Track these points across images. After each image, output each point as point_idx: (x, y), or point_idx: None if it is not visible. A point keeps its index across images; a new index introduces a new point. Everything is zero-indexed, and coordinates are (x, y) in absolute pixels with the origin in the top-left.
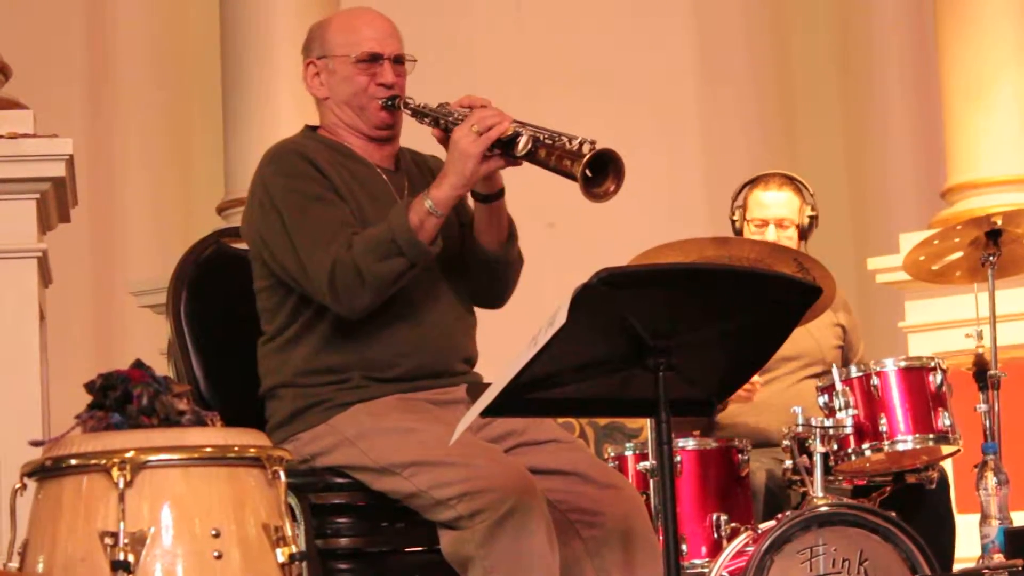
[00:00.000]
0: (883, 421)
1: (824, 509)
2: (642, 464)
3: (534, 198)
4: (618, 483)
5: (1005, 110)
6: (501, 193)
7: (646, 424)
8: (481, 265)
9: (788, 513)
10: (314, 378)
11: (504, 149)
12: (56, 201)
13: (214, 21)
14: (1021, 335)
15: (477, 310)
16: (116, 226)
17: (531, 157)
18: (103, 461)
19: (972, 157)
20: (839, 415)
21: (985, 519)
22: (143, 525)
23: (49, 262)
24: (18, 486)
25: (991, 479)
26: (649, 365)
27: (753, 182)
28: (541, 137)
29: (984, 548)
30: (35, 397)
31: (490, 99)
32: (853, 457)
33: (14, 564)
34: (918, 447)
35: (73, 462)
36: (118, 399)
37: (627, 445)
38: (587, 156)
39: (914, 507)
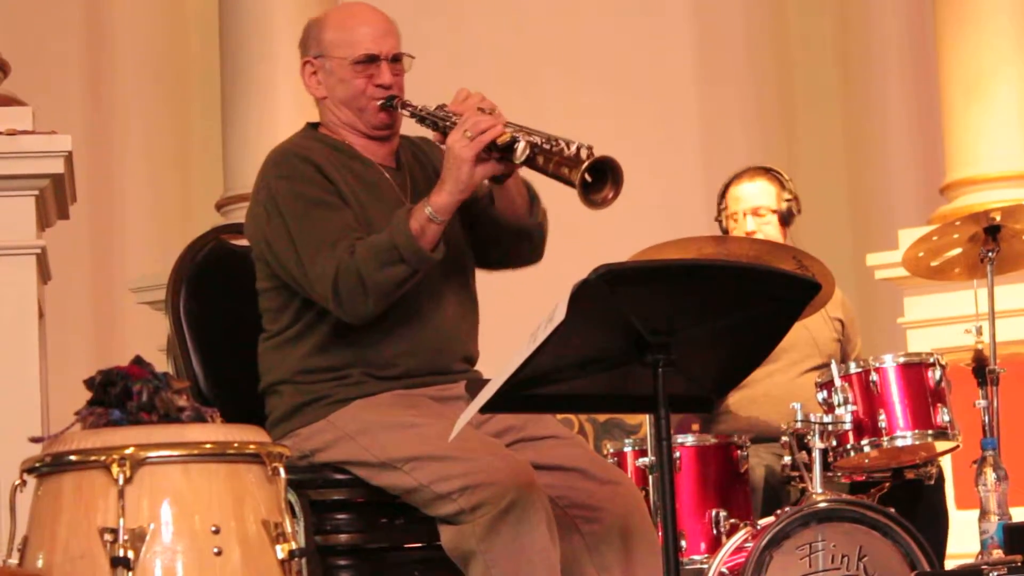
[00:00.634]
0: (882, 417)
1: (823, 505)
2: (641, 460)
3: None
4: (618, 479)
5: (1004, 106)
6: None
7: (645, 420)
8: (513, 234)
9: (787, 509)
10: (314, 375)
11: (502, 155)
12: (55, 198)
13: (213, 17)
14: (1020, 331)
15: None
16: (115, 223)
17: (529, 163)
18: (103, 457)
19: (971, 153)
20: (838, 411)
21: (984, 515)
22: (143, 521)
23: (48, 259)
24: (18, 482)
25: (990, 475)
26: (648, 361)
27: (730, 181)
28: (539, 142)
29: (983, 544)
30: (34, 394)
31: (487, 96)
32: (852, 453)
33: (14, 560)
34: (917, 443)
35: (73, 458)
36: (118, 395)
37: (626, 441)
38: (586, 163)
39: (912, 503)
